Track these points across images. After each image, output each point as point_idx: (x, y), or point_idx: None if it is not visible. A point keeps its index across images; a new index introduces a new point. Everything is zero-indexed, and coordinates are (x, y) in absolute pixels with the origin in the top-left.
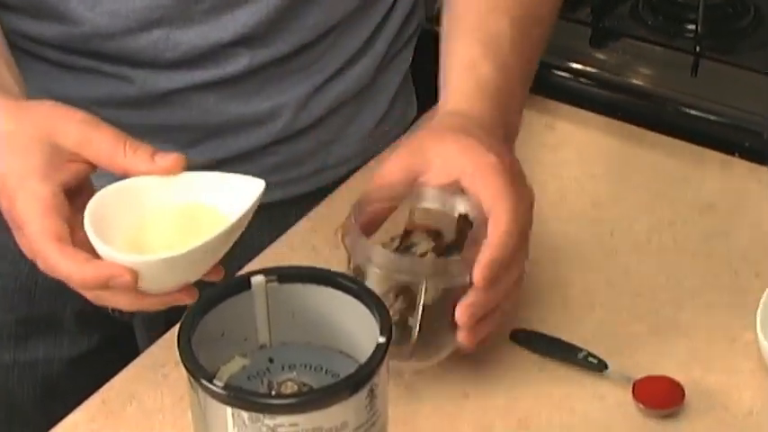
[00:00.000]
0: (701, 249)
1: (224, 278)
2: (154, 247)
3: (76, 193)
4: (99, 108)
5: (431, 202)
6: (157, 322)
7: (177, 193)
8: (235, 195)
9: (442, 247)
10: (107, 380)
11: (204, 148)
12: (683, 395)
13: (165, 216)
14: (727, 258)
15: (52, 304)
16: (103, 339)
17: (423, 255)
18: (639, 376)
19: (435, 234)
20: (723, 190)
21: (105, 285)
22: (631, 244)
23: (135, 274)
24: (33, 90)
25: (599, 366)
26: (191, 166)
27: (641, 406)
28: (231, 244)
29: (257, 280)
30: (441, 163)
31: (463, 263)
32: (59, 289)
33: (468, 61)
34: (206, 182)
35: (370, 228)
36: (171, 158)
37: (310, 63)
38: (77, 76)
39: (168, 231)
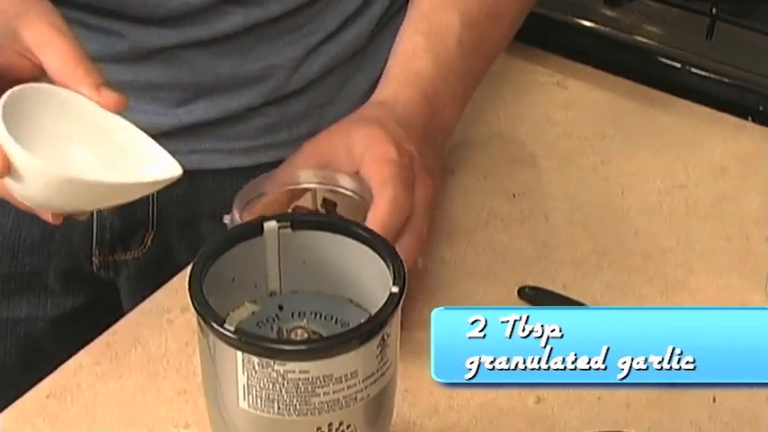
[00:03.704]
0: (713, 212)
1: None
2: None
3: None
4: None
5: (338, 186)
6: (143, 282)
7: (107, 123)
8: (156, 161)
9: None
10: (91, 340)
11: (195, 107)
12: None
13: (93, 137)
14: (738, 222)
15: (35, 262)
16: (87, 300)
17: None
18: None
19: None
20: (736, 154)
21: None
22: (642, 205)
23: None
24: None
25: None
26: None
27: None
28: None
29: (270, 225)
30: (345, 154)
31: None
32: (43, 247)
33: (409, 52)
34: (135, 134)
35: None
36: (116, 96)
37: (305, 23)
38: None
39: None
